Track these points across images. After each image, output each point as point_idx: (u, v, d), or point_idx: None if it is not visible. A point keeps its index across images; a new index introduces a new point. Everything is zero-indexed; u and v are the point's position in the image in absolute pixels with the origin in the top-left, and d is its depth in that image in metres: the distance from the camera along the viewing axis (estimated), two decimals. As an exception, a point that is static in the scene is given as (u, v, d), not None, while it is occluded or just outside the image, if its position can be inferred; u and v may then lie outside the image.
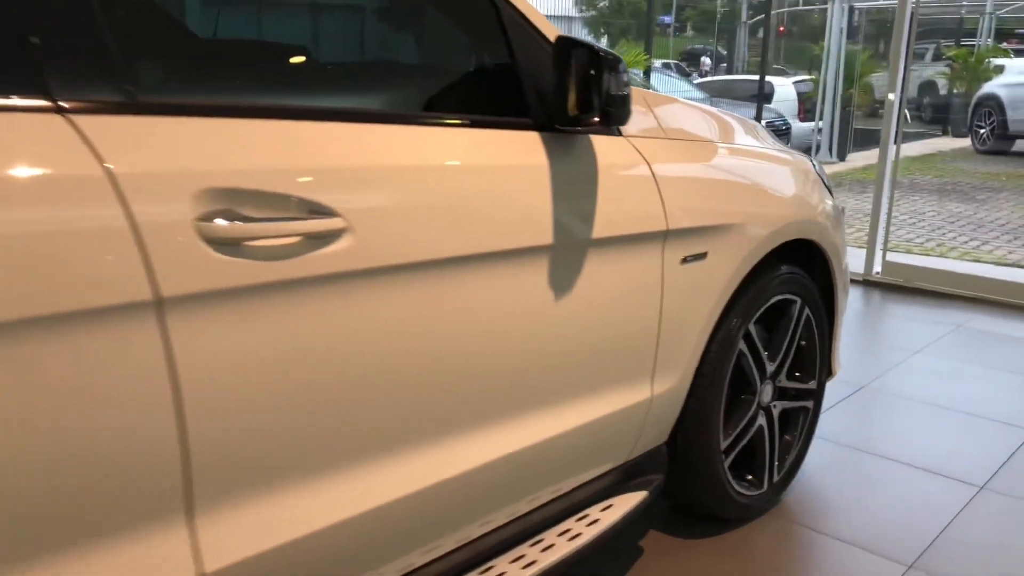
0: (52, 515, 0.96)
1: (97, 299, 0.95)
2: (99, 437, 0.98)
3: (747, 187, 2.02)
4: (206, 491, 1.09)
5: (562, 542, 1.69)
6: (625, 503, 1.84)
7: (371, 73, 1.66)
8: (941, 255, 5.71)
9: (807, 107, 12.54)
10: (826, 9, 12.12)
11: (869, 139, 11.22)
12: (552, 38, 1.51)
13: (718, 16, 28.36)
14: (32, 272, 0.90)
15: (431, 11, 1.71)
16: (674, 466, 2.02)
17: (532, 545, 1.67)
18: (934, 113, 16.20)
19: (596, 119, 1.42)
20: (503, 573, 1.57)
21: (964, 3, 16.67)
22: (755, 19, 25.98)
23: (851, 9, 12.31)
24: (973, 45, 16.47)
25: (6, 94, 0.94)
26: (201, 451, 1.07)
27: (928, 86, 16.48)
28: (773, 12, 16.72)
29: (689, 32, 31.65)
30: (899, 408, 3.05)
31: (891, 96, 4.65)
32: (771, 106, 11.77)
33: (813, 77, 13.38)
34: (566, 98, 1.46)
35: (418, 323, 1.30)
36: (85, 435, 0.97)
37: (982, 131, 12.36)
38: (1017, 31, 18.78)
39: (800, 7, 22.71)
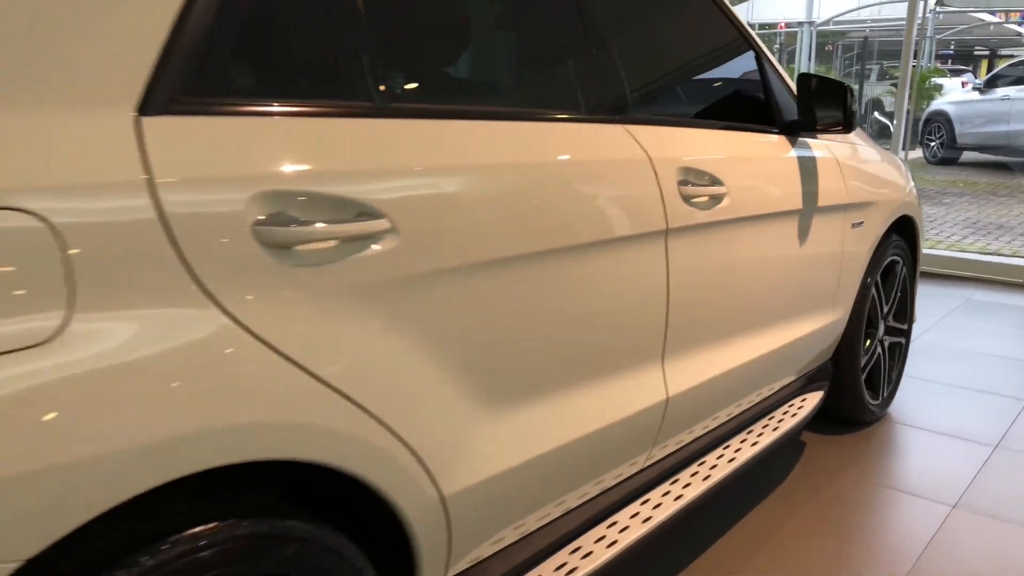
0: (611, 351, 1.68)
1: (630, 230, 1.66)
2: (631, 310, 1.70)
3: (881, 176, 2.82)
4: (670, 346, 1.82)
5: (786, 418, 2.44)
6: (813, 397, 2.61)
7: (700, 93, 2.38)
8: (932, 247, 6.66)
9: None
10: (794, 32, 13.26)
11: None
12: (790, 82, 2.30)
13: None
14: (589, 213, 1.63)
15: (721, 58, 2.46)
16: (832, 378, 2.80)
17: (749, 433, 2.41)
18: (882, 128, 17.62)
19: (841, 127, 2.21)
20: (738, 449, 2.30)
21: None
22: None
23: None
24: (916, 66, 17.91)
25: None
26: (672, 323, 1.81)
27: (875, 103, 17.91)
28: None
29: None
30: (940, 356, 3.91)
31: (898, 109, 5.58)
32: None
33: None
34: (808, 112, 2.24)
35: (740, 252, 2.05)
36: (625, 310, 1.69)
37: (932, 144, 13.63)
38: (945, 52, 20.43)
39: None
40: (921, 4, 5.45)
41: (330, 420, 1.12)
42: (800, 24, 12.74)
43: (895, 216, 2.89)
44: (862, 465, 2.76)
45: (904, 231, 3.10)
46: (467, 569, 1.48)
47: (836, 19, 16.09)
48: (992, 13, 19.23)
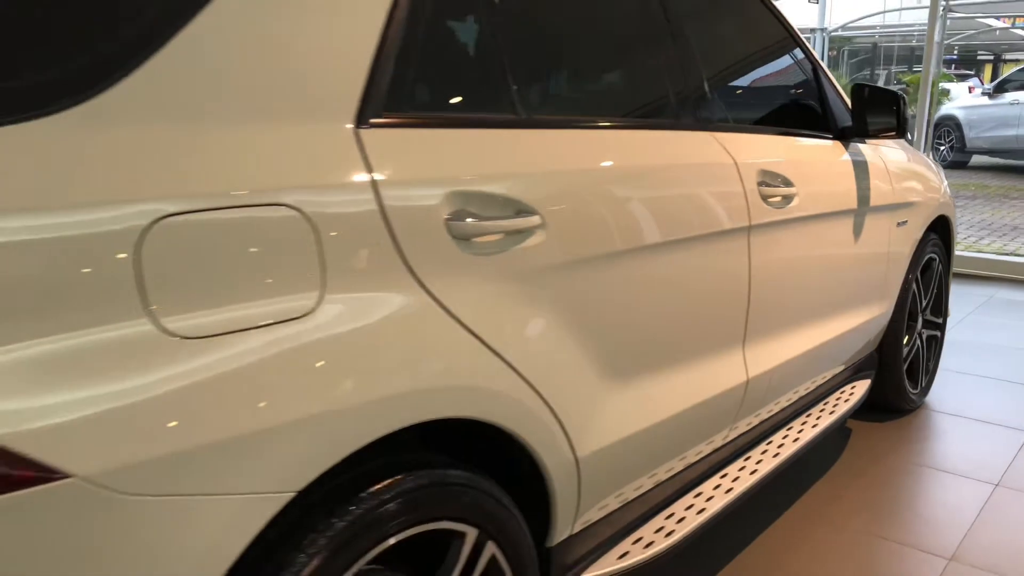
0: (706, 334, 1.86)
1: (723, 225, 1.86)
2: (722, 298, 1.89)
3: (921, 178, 3.02)
4: (750, 332, 2.01)
5: (840, 403, 2.63)
6: (862, 385, 2.80)
7: (767, 102, 2.56)
8: (947, 249, 6.85)
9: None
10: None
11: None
12: (840, 91, 2.49)
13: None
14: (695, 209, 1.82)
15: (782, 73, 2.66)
16: (877, 367, 2.99)
17: (808, 416, 2.59)
18: (891, 132, 17.84)
19: (894, 133, 2.40)
20: (797, 428, 2.49)
21: (915, 33, 18.34)
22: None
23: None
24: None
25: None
26: (752, 312, 2.00)
27: (884, 108, 18.13)
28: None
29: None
30: (970, 349, 4.09)
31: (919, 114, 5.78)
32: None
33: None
34: (861, 119, 2.43)
35: (805, 248, 2.24)
36: (717, 297, 1.88)
37: (942, 148, 13.83)
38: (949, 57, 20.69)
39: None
40: (942, 10, 5.65)
41: (498, 384, 1.31)
42: (812, 31, 12.96)
43: (933, 216, 3.07)
44: (906, 448, 2.94)
45: (940, 231, 3.28)
46: (581, 530, 1.67)
47: (847, 25, 16.32)
48: (997, 18, 19.45)
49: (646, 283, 1.64)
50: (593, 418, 1.54)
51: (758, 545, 2.32)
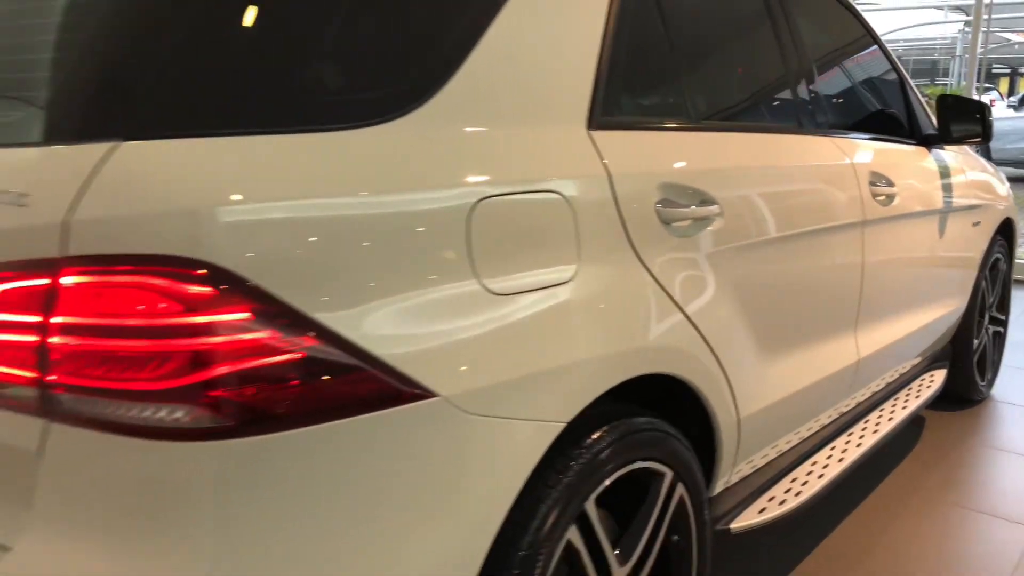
0: (831, 315, 2.09)
1: (846, 219, 2.09)
2: (843, 283, 2.12)
3: (991, 182, 3.26)
4: (861, 316, 2.24)
5: (923, 389, 2.85)
6: (940, 374, 3.02)
7: (865, 109, 2.79)
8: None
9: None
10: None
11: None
12: (922, 99, 2.73)
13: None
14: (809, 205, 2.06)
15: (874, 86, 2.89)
16: (951, 359, 3.21)
17: (896, 400, 2.81)
18: (912, 145, 18.05)
19: (979, 139, 2.63)
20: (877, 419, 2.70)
21: (936, 46, 18.60)
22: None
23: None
24: (946, 84, 18.38)
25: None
26: (864, 298, 2.23)
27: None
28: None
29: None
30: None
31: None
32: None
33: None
34: (945, 126, 2.66)
35: (901, 243, 2.47)
36: (840, 283, 2.11)
37: (967, 160, 14.04)
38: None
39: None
40: (984, 24, 5.88)
41: (693, 348, 1.55)
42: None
43: (1001, 218, 3.29)
44: (979, 434, 3.16)
45: (1005, 233, 3.50)
46: (731, 485, 1.89)
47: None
48: (1014, 32, 19.66)
49: (788, 267, 1.88)
50: (751, 384, 1.77)
51: (856, 517, 2.54)
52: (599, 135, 1.43)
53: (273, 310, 0.96)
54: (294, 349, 0.97)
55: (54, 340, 0.95)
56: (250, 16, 1.08)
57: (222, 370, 0.94)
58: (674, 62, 1.71)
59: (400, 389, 1.05)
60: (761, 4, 2.05)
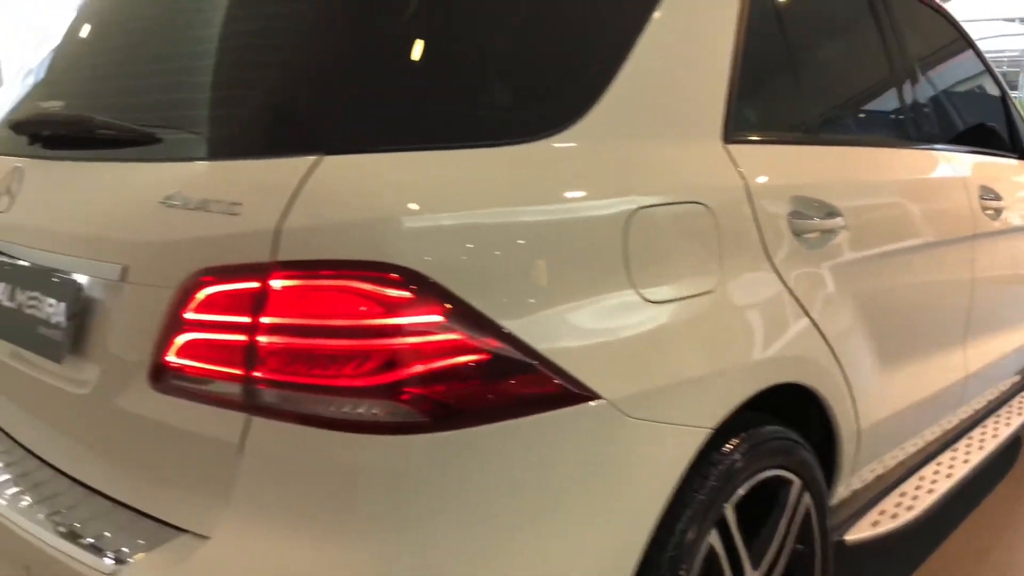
0: (943, 329, 2.09)
1: (959, 232, 2.09)
2: (954, 297, 2.12)
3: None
4: (969, 330, 2.23)
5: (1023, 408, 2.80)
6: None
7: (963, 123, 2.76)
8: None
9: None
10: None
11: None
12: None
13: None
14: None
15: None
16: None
17: (999, 417, 2.77)
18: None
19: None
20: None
21: (1005, 59, 18.17)
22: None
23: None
24: (1017, 97, 17.91)
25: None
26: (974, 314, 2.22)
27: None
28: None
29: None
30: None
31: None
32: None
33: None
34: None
35: (1007, 258, 2.45)
36: (952, 297, 2.10)
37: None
38: None
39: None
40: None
41: (821, 357, 1.57)
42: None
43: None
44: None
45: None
46: (842, 500, 1.90)
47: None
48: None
49: (904, 280, 1.89)
50: (870, 395, 1.78)
51: (959, 536, 2.51)
52: (734, 149, 1.47)
53: (461, 313, 1.02)
54: (480, 350, 1.03)
55: (262, 339, 1.03)
56: (433, 44, 1.15)
57: (418, 368, 1.00)
58: (795, 78, 1.74)
59: (570, 391, 1.10)
60: (871, 19, 2.07)
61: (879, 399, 1.83)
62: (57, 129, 1.34)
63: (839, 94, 1.95)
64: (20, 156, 1.41)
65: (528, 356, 1.07)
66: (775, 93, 1.71)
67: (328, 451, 1.03)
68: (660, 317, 1.24)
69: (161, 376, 1.13)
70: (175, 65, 1.28)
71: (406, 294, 1.00)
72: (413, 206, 1.03)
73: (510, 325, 1.06)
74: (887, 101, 2.11)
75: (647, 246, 1.24)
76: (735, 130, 1.50)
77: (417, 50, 1.14)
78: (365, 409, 1.01)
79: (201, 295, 1.07)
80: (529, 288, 1.09)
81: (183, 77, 1.25)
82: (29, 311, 1.38)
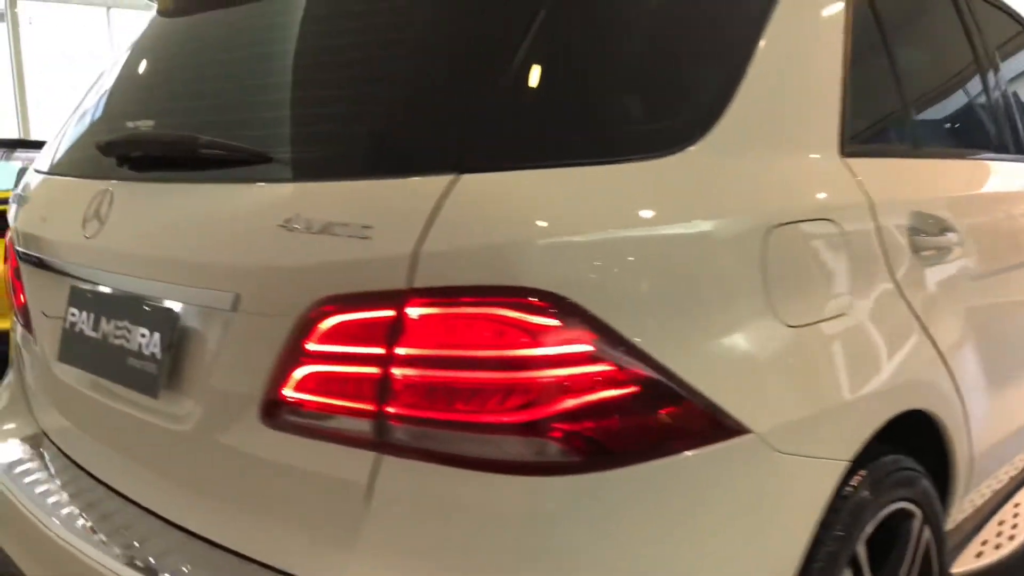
0: None
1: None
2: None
3: None
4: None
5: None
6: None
7: None
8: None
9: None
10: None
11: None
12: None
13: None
14: None
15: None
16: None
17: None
18: None
19: None
20: None
21: None
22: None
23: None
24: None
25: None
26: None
27: None
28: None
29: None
30: None
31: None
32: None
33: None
34: None
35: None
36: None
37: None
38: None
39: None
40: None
41: (942, 382, 1.48)
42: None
43: None
44: None
45: None
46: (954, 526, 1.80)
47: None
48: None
49: (1013, 299, 1.80)
50: (982, 419, 1.69)
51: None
52: (852, 162, 1.39)
53: (611, 341, 0.95)
54: (630, 381, 0.95)
55: (396, 371, 0.95)
56: (567, 58, 1.09)
57: (568, 403, 0.92)
58: (899, 88, 1.66)
59: (722, 424, 1.02)
60: (963, 33, 2.00)
61: (989, 424, 1.73)
62: (158, 150, 1.26)
63: (940, 107, 1.87)
64: (107, 179, 1.34)
65: (679, 387, 0.99)
66: (882, 103, 1.63)
67: (467, 493, 0.95)
68: (798, 342, 1.15)
69: (276, 411, 1.05)
70: (287, 79, 1.21)
71: (554, 322, 0.92)
72: (559, 227, 0.95)
73: (658, 353, 0.98)
74: (986, 113, 2.04)
75: (783, 266, 1.16)
76: (849, 142, 1.43)
77: (553, 64, 1.06)
78: (510, 448, 0.93)
79: (326, 324, 0.99)
80: (673, 312, 1.01)
81: (296, 92, 1.18)
82: (116, 341, 1.31)
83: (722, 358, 1.05)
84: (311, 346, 1.00)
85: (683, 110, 1.17)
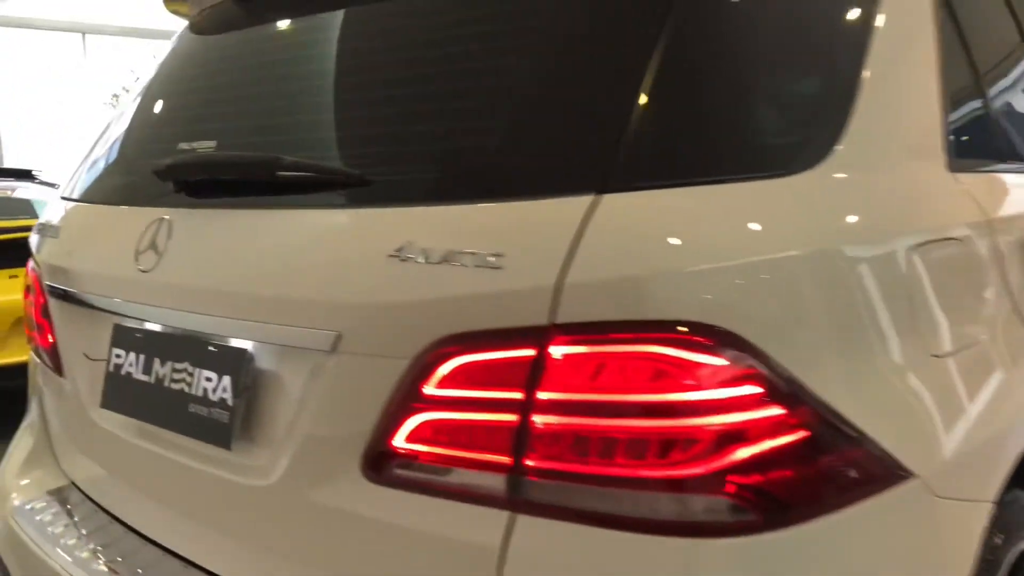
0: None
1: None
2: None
3: None
4: None
5: None
6: None
7: None
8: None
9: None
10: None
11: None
12: None
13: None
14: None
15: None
16: None
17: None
18: None
19: None
20: None
21: None
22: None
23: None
24: None
25: None
26: None
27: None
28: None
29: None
30: None
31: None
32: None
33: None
34: None
35: None
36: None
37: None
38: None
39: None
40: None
41: None
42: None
43: None
44: None
45: None
46: None
47: None
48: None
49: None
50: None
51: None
52: (961, 177, 1.31)
53: (779, 381, 0.84)
54: (801, 425, 0.84)
55: (537, 419, 0.83)
56: (709, 70, 0.98)
57: (743, 454, 0.81)
58: (987, 101, 1.59)
59: (890, 469, 0.91)
60: None
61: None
62: (233, 173, 1.13)
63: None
64: (161, 206, 1.22)
65: (848, 428, 0.88)
66: (974, 114, 1.55)
67: (621, 558, 0.83)
68: (945, 374, 1.05)
69: (384, 464, 0.93)
70: (385, 93, 1.08)
71: (722, 361, 0.81)
72: (716, 253, 0.84)
73: (823, 391, 0.87)
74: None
75: (925, 289, 1.06)
76: (954, 155, 1.34)
77: (694, 76, 0.96)
78: (675, 505, 0.81)
79: (448, 366, 0.87)
80: (832, 344, 0.91)
81: (399, 106, 1.05)
82: (175, 385, 1.18)
83: (882, 393, 0.94)
84: (429, 390, 0.88)
85: (814, 123, 1.07)
